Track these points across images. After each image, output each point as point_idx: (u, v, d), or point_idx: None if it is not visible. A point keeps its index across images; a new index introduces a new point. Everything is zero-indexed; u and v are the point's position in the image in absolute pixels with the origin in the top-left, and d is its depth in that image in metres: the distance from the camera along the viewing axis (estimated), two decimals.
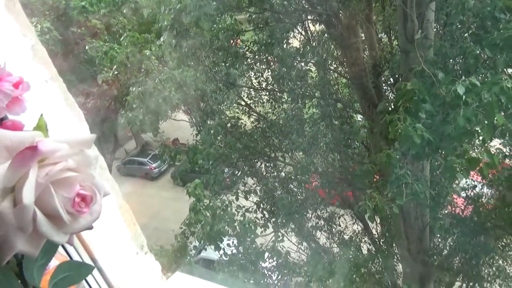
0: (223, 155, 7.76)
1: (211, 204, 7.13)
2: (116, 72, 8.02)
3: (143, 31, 8.41)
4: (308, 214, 9.20)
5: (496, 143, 7.43)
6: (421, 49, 4.68)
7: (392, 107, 5.73)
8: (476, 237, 7.04)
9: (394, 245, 9.15)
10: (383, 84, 6.92)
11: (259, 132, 8.29)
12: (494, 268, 8.15)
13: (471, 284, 9.35)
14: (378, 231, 9.90)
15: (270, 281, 8.85)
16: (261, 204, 8.40)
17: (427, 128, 4.37)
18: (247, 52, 7.55)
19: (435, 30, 5.19)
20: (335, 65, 7.26)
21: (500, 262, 8.40)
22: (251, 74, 8.21)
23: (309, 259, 9.23)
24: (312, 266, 8.59)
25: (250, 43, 7.58)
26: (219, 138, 7.93)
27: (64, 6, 12.13)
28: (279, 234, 8.14)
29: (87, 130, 1.30)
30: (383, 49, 6.50)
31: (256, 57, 7.36)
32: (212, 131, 7.50)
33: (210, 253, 9.43)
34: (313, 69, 7.32)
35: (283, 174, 8.75)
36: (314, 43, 6.84)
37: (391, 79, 7.31)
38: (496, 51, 3.88)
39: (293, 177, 8.35)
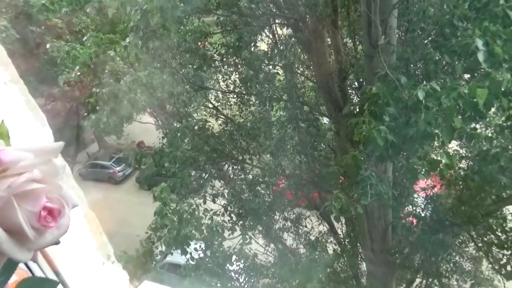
0: (190, 158, 7.67)
1: (178, 208, 7.01)
2: (78, 73, 7.74)
3: (107, 32, 8.16)
4: (275, 216, 9.26)
5: (453, 145, 7.79)
6: (384, 54, 4.82)
7: (357, 110, 5.88)
8: (435, 235, 7.32)
9: (358, 244, 9.39)
10: (348, 88, 7.09)
11: (227, 135, 8.26)
12: (451, 264, 8.50)
13: (430, 280, 9.74)
14: (343, 231, 10.11)
15: (237, 284, 8.82)
16: (229, 207, 8.36)
17: (391, 130, 4.49)
18: (214, 55, 7.51)
19: (397, 36, 5.37)
20: (302, 69, 7.37)
21: (457, 258, 8.78)
22: (218, 76, 8.17)
23: (276, 260, 9.29)
24: (279, 268, 8.65)
25: (218, 45, 7.54)
26: (186, 140, 7.83)
27: (23, 3, 11.57)
28: (247, 236, 8.13)
29: (51, 135, 1.23)
30: (348, 53, 6.66)
31: (224, 59, 7.33)
32: (179, 134, 7.39)
33: (177, 257, 9.27)
34: (281, 72, 7.39)
35: (250, 176, 8.76)
36: (281, 47, 6.91)
37: (355, 83, 7.49)
38: (455, 57, 4.06)
39: (260, 180, 8.37)
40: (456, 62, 4.10)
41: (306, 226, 10.07)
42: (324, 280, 8.97)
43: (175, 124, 7.79)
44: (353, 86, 7.51)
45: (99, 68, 7.86)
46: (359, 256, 9.31)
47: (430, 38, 4.94)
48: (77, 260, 1.34)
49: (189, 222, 7.03)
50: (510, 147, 5.92)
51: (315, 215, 10.54)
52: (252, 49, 6.82)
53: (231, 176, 8.83)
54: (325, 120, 7.85)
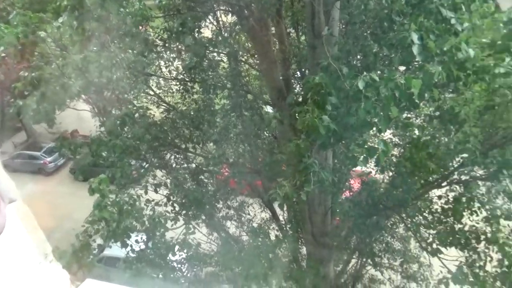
0: (130, 146, 7.36)
1: (117, 200, 6.72)
2: (3, 55, 7.03)
3: (36, 10, 7.46)
4: (218, 205, 9.26)
5: (387, 134, 8.28)
6: (327, 45, 4.95)
7: (300, 99, 6.01)
8: (370, 218, 7.78)
9: (299, 229, 9.71)
10: (292, 77, 7.21)
11: (169, 123, 8.04)
12: (383, 244, 9.10)
13: (364, 260, 10.38)
14: (285, 217, 10.40)
15: (180, 273, 8.74)
16: (172, 197, 8.19)
17: (333, 119, 4.65)
18: (156, 40, 7.22)
19: (339, 28, 5.54)
20: (246, 57, 7.35)
21: (389, 238, 9.43)
22: (161, 62, 7.88)
23: (220, 248, 9.32)
24: (223, 256, 8.70)
25: (160, 30, 7.25)
26: (126, 129, 7.49)
27: None
28: (190, 226, 8.04)
29: None
30: (291, 43, 6.77)
31: (167, 45, 7.08)
32: (118, 122, 7.05)
33: (115, 250, 8.92)
34: (225, 60, 7.31)
35: (194, 165, 8.64)
36: (226, 34, 6.82)
37: (298, 72, 7.64)
38: (392, 50, 4.29)
39: (204, 169, 8.29)
40: (394, 55, 4.34)
41: (249, 214, 10.20)
42: (266, 266, 9.17)
43: (113, 112, 7.41)
44: (296, 75, 7.66)
45: (27, 50, 7.19)
46: (300, 240, 9.64)
47: (369, 31, 5.17)
48: (9, 261, 1.21)
49: (130, 213, 6.78)
50: (437, 135, 6.43)
51: (258, 203, 10.71)
52: (196, 35, 6.66)
53: (174, 165, 8.64)
54: (269, 108, 7.95)
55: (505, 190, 7.24)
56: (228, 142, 8.41)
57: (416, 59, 4.16)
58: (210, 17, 6.94)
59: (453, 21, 4.16)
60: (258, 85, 8.25)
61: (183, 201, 8.16)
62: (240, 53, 7.06)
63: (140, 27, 6.87)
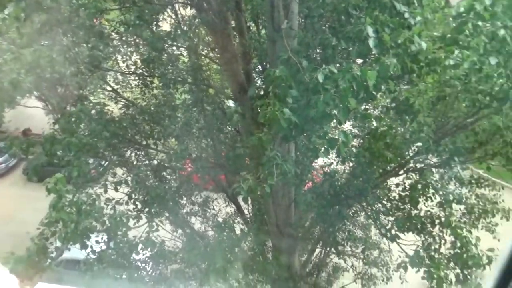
0: (88, 144, 7.09)
1: (75, 200, 6.46)
2: None
3: None
4: (182, 201, 9.15)
5: (346, 125, 8.49)
6: (287, 39, 4.99)
7: (262, 92, 6.02)
8: (332, 208, 7.97)
9: (264, 222, 9.80)
10: (252, 71, 7.21)
11: (128, 119, 7.81)
12: (346, 233, 9.36)
13: (328, 248, 10.67)
14: (250, 211, 10.45)
15: (144, 272, 8.58)
16: (133, 195, 7.99)
17: (294, 112, 4.70)
18: (112, 33, 6.95)
19: (298, 21, 5.59)
20: (206, 51, 7.26)
21: (351, 227, 9.73)
22: (117, 57, 7.61)
23: (185, 245, 9.23)
24: (188, 252, 8.62)
25: (116, 23, 6.99)
26: (82, 126, 7.20)
27: None
28: (153, 224, 7.88)
29: None
30: (252, 37, 6.76)
31: (123, 39, 6.84)
32: (73, 119, 6.76)
33: (75, 252, 8.59)
34: (185, 53, 7.18)
35: (155, 162, 8.47)
36: (185, 27, 6.69)
37: (259, 66, 7.65)
38: (350, 43, 4.39)
39: (166, 165, 8.15)
40: (351, 48, 4.44)
41: (213, 209, 10.17)
42: (232, 260, 9.19)
43: (68, 108, 7.10)
44: (257, 69, 7.67)
45: None
46: (265, 233, 9.72)
47: (328, 25, 5.27)
48: None
49: (89, 213, 6.54)
50: (394, 125, 6.68)
51: (222, 197, 10.69)
52: (154, 28, 6.48)
53: (135, 163, 8.43)
54: (231, 103, 7.91)
55: (456, 176, 7.68)
56: (190, 137, 8.31)
57: (373, 52, 4.28)
58: (168, 10, 6.78)
59: (406, 15, 4.32)
60: (219, 79, 8.19)
61: (145, 198, 7.98)
62: (200, 47, 6.96)
63: (95, 20, 6.59)
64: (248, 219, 10.14)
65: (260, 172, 5.36)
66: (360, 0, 4.42)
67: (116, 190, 7.71)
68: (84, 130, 7.33)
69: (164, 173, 8.58)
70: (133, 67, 7.76)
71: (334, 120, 4.71)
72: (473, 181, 7.67)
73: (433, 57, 4.69)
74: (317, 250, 10.94)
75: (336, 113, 4.55)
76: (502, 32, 4.25)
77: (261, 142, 5.32)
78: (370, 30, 4.16)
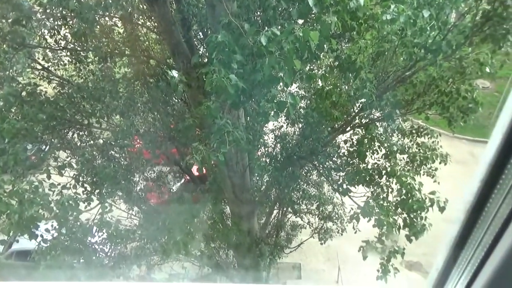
0: (22, 129, 6.58)
1: (15, 189, 6.06)
2: None
3: None
4: (135, 178, 8.92)
5: (293, 87, 8.57)
6: (226, 2, 4.82)
7: (206, 60, 5.86)
8: (286, 170, 8.17)
9: (221, 190, 9.86)
10: (194, 38, 6.96)
11: (65, 99, 7.30)
12: (300, 192, 9.68)
13: (285, 209, 11.02)
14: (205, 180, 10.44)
15: (103, 254, 8.41)
16: (80, 177, 7.64)
17: (240, 77, 4.63)
18: (35, 6, 6.31)
19: None
20: (143, 20, 6.84)
21: (305, 186, 10.06)
22: (44, 32, 6.97)
23: (142, 222, 9.11)
24: (146, 228, 8.53)
25: None
26: (13, 110, 6.65)
27: None
28: (106, 204, 7.65)
29: None
30: (189, 2, 6.45)
31: (48, 11, 6.23)
32: (1, 103, 6.21)
33: (25, 243, 8.18)
34: (119, 24, 6.73)
35: (101, 141, 8.09)
36: None
37: (200, 33, 7.39)
38: (290, 3, 4.33)
39: (113, 143, 7.82)
40: (291, 8, 4.38)
41: (168, 183, 10.04)
42: (192, 230, 9.24)
43: None
44: (199, 36, 7.41)
45: None
46: (223, 200, 9.82)
47: None
48: None
49: (33, 202, 6.18)
50: (338, 84, 6.82)
51: (176, 170, 10.57)
52: None
53: (78, 144, 8.00)
54: (174, 73, 7.64)
55: (398, 128, 8.09)
56: (136, 112, 7.98)
57: (313, 11, 4.25)
58: None
59: None
60: (160, 49, 7.83)
61: (95, 179, 7.68)
62: (136, 15, 6.55)
63: None
64: (205, 189, 10.15)
65: (212, 141, 5.31)
66: None
67: (61, 174, 7.33)
68: (17, 114, 6.77)
69: (112, 152, 8.25)
70: (63, 42, 7.16)
71: (281, 83, 4.72)
72: (413, 131, 8.12)
73: (370, 13, 4.77)
74: (275, 212, 11.27)
75: (282, 75, 4.55)
76: None
77: (210, 111, 5.23)
78: None
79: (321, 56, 6.69)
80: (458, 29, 5.51)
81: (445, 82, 6.31)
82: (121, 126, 7.49)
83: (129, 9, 6.21)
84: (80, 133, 7.97)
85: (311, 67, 6.47)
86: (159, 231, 8.44)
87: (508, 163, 0.88)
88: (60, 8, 6.07)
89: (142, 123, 8.29)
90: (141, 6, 6.66)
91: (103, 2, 5.85)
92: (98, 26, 6.47)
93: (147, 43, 7.30)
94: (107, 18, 6.49)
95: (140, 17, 6.72)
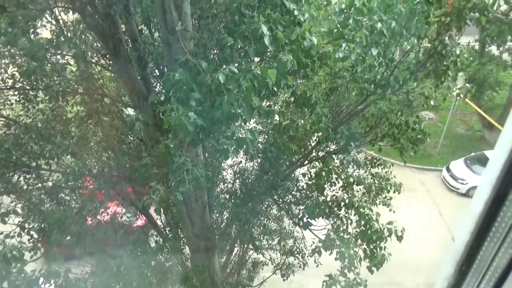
0: None
1: None
2: None
3: None
4: (87, 222, 8.43)
5: (251, 122, 8.67)
6: (183, 41, 4.88)
7: (163, 98, 5.81)
8: (246, 206, 8.09)
9: (179, 230, 9.54)
10: (150, 76, 6.91)
11: (11, 140, 6.88)
12: (261, 228, 9.58)
13: (246, 245, 10.81)
14: (163, 221, 10.07)
15: None
16: (26, 224, 7.10)
17: (199, 115, 4.62)
18: None
19: (192, 23, 5.50)
20: (97, 58, 6.71)
21: (265, 221, 9.98)
22: None
23: (94, 269, 8.55)
24: (99, 275, 8.02)
25: None
26: None
27: None
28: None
29: None
30: (144, 41, 6.46)
31: None
32: None
33: None
34: (72, 62, 6.56)
35: (50, 183, 7.64)
36: (69, 34, 6.09)
37: (156, 70, 7.37)
38: (246, 42, 4.45)
39: (63, 185, 7.40)
40: (248, 47, 4.51)
41: (124, 225, 9.57)
42: (150, 275, 8.79)
43: None
44: (155, 74, 7.38)
45: None
46: (182, 241, 9.49)
47: (223, 25, 5.27)
48: None
49: None
50: (295, 119, 7.00)
51: (131, 211, 10.13)
52: (32, 36, 5.77)
53: (25, 187, 7.49)
54: (130, 111, 7.50)
55: (354, 159, 8.36)
56: (88, 152, 7.66)
57: (268, 49, 4.40)
58: (47, 15, 6.10)
59: (295, 12, 4.52)
60: (114, 87, 7.67)
61: (42, 225, 7.16)
62: (90, 53, 6.41)
63: None
64: (162, 230, 9.77)
65: (171, 180, 5.18)
66: (250, 0, 4.52)
67: (4, 222, 6.78)
68: None
69: (62, 195, 7.79)
70: (10, 81, 6.83)
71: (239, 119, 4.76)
72: (367, 162, 8.42)
73: (323, 51, 5.01)
74: (236, 249, 11.02)
75: (241, 112, 4.60)
76: (379, 25, 4.72)
77: (168, 149, 5.14)
78: (264, 29, 4.26)
79: (278, 92, 6.88)
80: (403, 65, 5.91)
81: (394, 115, 6.67)
82: (73, 167, 7.14)
83: (82, 47, 6.10)
84: (27, 176, 7.49)
85: (269, 103, 6.62)
86: (113, 278, 7.96)
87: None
88: (8, 47, 5.84)
89: (96, 163, 7.96)
90: (95, 44, 6.56)
91: (55, 41, 5.71)
92: (49, 64, 6.27)
93: (101, 81, 7.14)
94: (59, 57, 6.31)
95: (94, 55, 6.60)
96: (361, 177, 8.21)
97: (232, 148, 5.07)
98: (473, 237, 0.94)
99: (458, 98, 17.61)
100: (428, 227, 15.69)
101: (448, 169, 18.32)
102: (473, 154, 18.81)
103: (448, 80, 5.59)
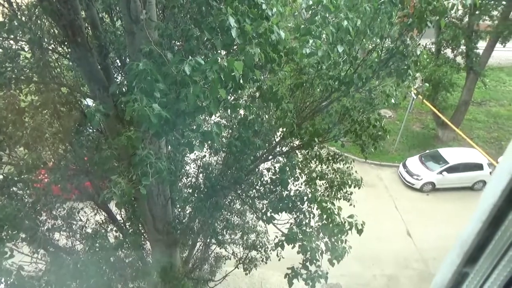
0: None
1: None
2: None
3: None
4: (41, 217, 8.02)
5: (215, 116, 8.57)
6: (147, 30, 4.73)
7: (125, 88, 5.62)
8: (209, 200, 8.02)
9: (140, 225, 9.31)
10: (111, 66, 6.65)
11: None
12: (224, 222, 9.56)
13: (208, 240, 10.75)
14: (123, 216, 9.79)
15: None
16: None
17: (163, 107, 4.51)
18: None
19: (157, 13, 5.34)
20: (54, 45, 6.36)
21: (228, 215, 9.96)
22: None
23: (49, 266, 8.19)
24: (54, 273, 7.69)
25: None
26: None
27: None
28: (6, 250, 6.73)
29: None
30: (106, 29, 6.19)
31: None
32: None
33: None
34: (27, 48, 6.18)
35: (1, 176, 7.20)
36: (23, 18, 5.72)
37: (117, 60, 7.11)
38: (213, 33, 4.38)
39: (16, 178, 7.00)
40: (215, 38, 4.44)
41: (80, 220, 9.21)
42: (108, 271, 8.54)
43: None
44: (115, 64, 7.11)
45: None
46: (142, 236, 9.28)
47: (189, 16, 5.15)
48: None
49: None
50: (260, 113, 7.00)
51: (89, 206, 9.77)
52: None
53: None
54: (89, 101, 7.19)
55: (317, 155, 8.50)
56: (44, 144, 7.28)
57: (235, 42, 4.35)
58: None
59: (264, 6, 4.50)
60: (73, 76, 7.32)
61: None
62: (46, 40, 6.06)
63: None
64: (122, 225, 9.49)
65: (133, 173, 5.03)
66: None
67: None
68: None
69: (14, 188, 7.37)
70: None
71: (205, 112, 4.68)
72: (330, 158, 8.59)
73: (290, 46, 5.02)
74: (198, 244, 10.93)
75: (207, 105, 4.53)
76: (345, 23, 4.80)
77: (130, 141, 4.99)
78: (232, 21, 4.21)
79: (245, 86, 6.84)
80: (366, 64, 6.06)
81: (357, 112, 6.83)
82: (26, 159, 6.76)
83: (38, 33, 5.76)
84: None
85: (235, 97, 6.57)
86: (69, 275, 7.66)
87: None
88: None
89: (51, 155, 7.57)
90: (52, 31, 6.22)
91: (7, 25, 5.36)
92: (0, 50, 5.88)
93: (58, 69, 6.78)
94: (12, 42, 5.93)
95: (51, 41, 6.25)
96: (324, 172, 8.36)
97: (198, 142, 4.99)
98: (485, 226, 0.92)
99: (415, 97, 18.39)
100: (384, 220, 16.33)
101: (404, 165, 19.11)
102: (427, 151, 19.74)
103: (408, 79, 5.80)
